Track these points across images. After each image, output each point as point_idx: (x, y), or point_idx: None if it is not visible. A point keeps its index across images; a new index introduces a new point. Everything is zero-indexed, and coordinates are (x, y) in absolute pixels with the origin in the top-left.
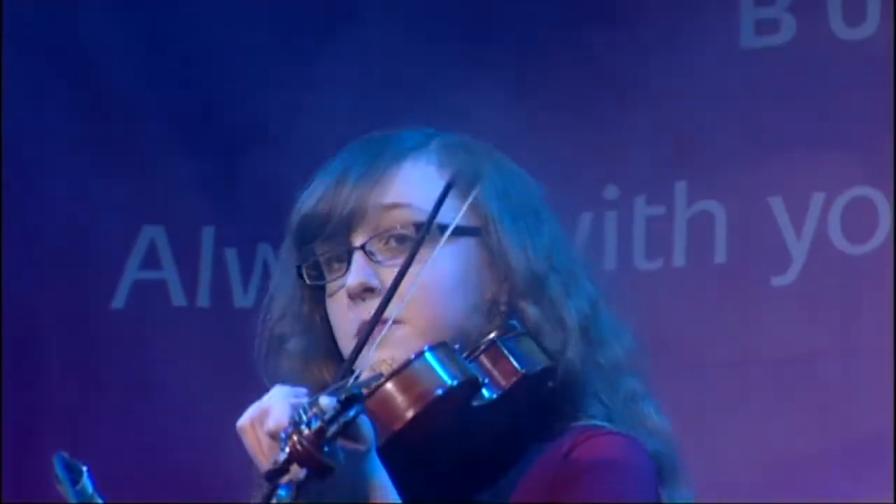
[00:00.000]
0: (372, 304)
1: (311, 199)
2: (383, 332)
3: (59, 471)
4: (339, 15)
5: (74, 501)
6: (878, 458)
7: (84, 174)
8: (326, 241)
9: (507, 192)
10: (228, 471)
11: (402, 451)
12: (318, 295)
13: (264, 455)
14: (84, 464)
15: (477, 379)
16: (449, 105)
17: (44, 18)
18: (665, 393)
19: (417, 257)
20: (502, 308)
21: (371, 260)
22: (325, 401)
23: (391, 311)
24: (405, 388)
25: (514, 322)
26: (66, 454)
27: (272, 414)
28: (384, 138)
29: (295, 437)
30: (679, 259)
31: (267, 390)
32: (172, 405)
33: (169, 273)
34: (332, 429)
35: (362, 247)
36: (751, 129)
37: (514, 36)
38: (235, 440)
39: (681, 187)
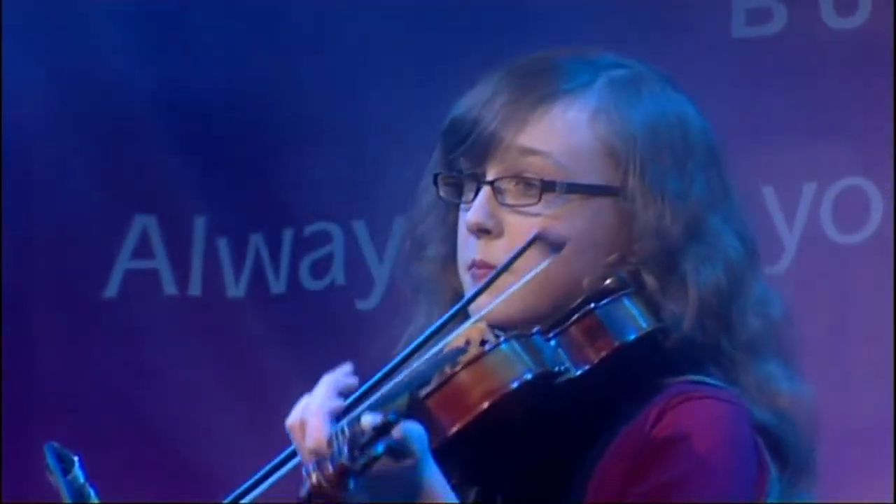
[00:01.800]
0: (485, 243)
1: (461, 109)
2: (492, 279)
3: (50, 461)
4: (330, 6)
5: (66, 491)
6: (872, 449)
7: (76, 164)
8: (467, 157)
9: (664, 145)
10: (220, 458)
11: (474, 445)
12: (446, 207)
13: (304, 458)
14: (75, 454)
15: (552, 370)
16: (445, 95)
17: (43, 10)
18: None
19: (547, 211)
20: (623, 271)
21: (497, 199)
22: (368, 420)
23: (496, 257)
24: (470, 385)
25: (623, 276)
26: (57, 444)
27: (310, 429)
28: (547, 66)
29: (316, 476)
30: None
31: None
32: (164, 394)
33: (161, 262)
34: (361, 462)
35: (492, 183)
36: (742, 119)
37: (505, 25)
38: (226, 428)
39: None
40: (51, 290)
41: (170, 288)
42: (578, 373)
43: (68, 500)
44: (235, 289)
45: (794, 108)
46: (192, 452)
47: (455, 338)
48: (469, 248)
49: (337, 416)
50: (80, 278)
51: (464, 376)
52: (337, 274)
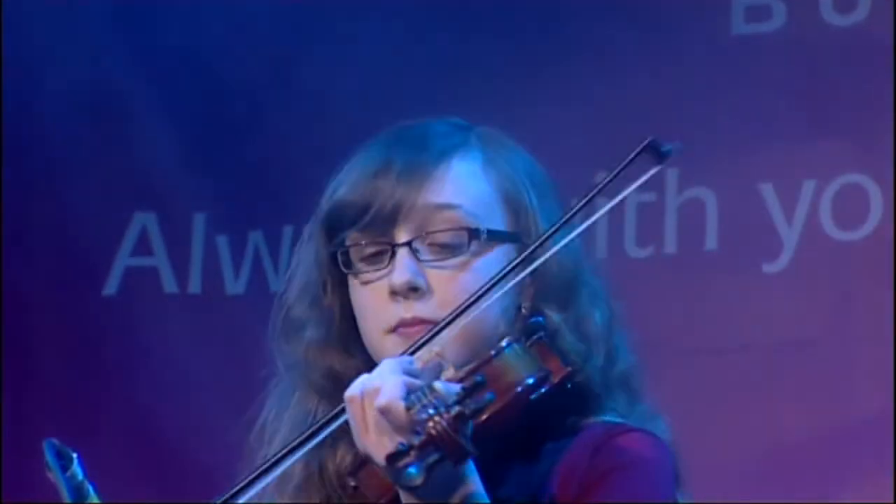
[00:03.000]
0: (415, 302)
1: (348, 187)
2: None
3: (49, 458)
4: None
5: (65, 488)
6: (872, 445)
7: (75, 161)
8: (364, 232)
9: (543, 188)
10: (219, 454)
11: None
12: (340, 283)
13: (368, 429)
14: (74, 451)
15: (549, 374)
16: (440, 91)
17: (43, 5)
18: (656, 380)
19: (462, 263)
20: (524, 312)
21: (416, 258)
22: (442, 387)
23: (428, 313)
24: (492, 379)
25: (541, 320)
26: (56, 441)
27: (386, 390)
28: (423, 130)
29: (437, 419)
30: (670, 246)
31: (274, 373)
32: (163, 391)
33: (160, 260)
34: (469, 413)
35: (409, 244)
36: (741, 117)
37: (504, 22)
38: (226, 424)
39: (672, 174)
40: (50, 287)
41: (169, 285)
42: (545, 390)
43: (67, 498)
44: (235, 286)
45: (794, 105)
46: (192, 448)
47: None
48: (389, 312)
49: (410, 387)
50: (79, 276)
51: (484, 370)
52: None
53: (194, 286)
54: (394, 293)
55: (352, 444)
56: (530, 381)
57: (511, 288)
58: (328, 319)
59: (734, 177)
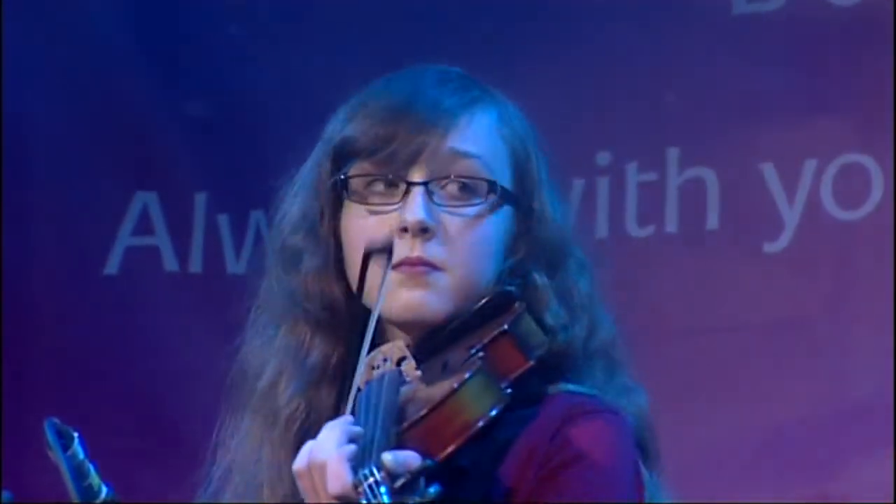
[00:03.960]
0: (422, 242)
1: (368, 120)
2: (425, 276)
3: (49, 437)
4: None
5: (66, 467)
6: (872, 424)
7: (76, 141)
8: (379, 165)
9: (544, 163)
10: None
11: None
12: (338, 212)
13: (320, 500)
14: (75, 430)
15: (507, 394)
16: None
17: None
18: (656, 359)
19: (476, 213)
20: (513, 274)
21: (431, 200)
22: (391, 461)
23: (435, 256)
24: (448, 419)
25: (512, 289)
26: (57, 420)
27: (332, 473)
28: (445, 75)
29: None
30: (671, 225)
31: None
32: (164, 370)
33: (161, 239)
34: (415, 500)
35: (426, 184)
36: (742, 96)
37: (506, 3)
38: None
39: (673, 154)
40: (51, 267)
41: (170, 264)
42: (510, 392)
43: (68, 477)
44: (236, 265)
45: (795, 84)
46: (192, 429)
47: (372, 354)
48: (398, 249)
49: (353, 461)
50: (80, 255)
51: (442, 410)
52: None
53: (195, 265)
54: (403, 230)
55: None
56: (492, 413)
57: (507, 249)
58: (326, 248)
59: (735, 156)
